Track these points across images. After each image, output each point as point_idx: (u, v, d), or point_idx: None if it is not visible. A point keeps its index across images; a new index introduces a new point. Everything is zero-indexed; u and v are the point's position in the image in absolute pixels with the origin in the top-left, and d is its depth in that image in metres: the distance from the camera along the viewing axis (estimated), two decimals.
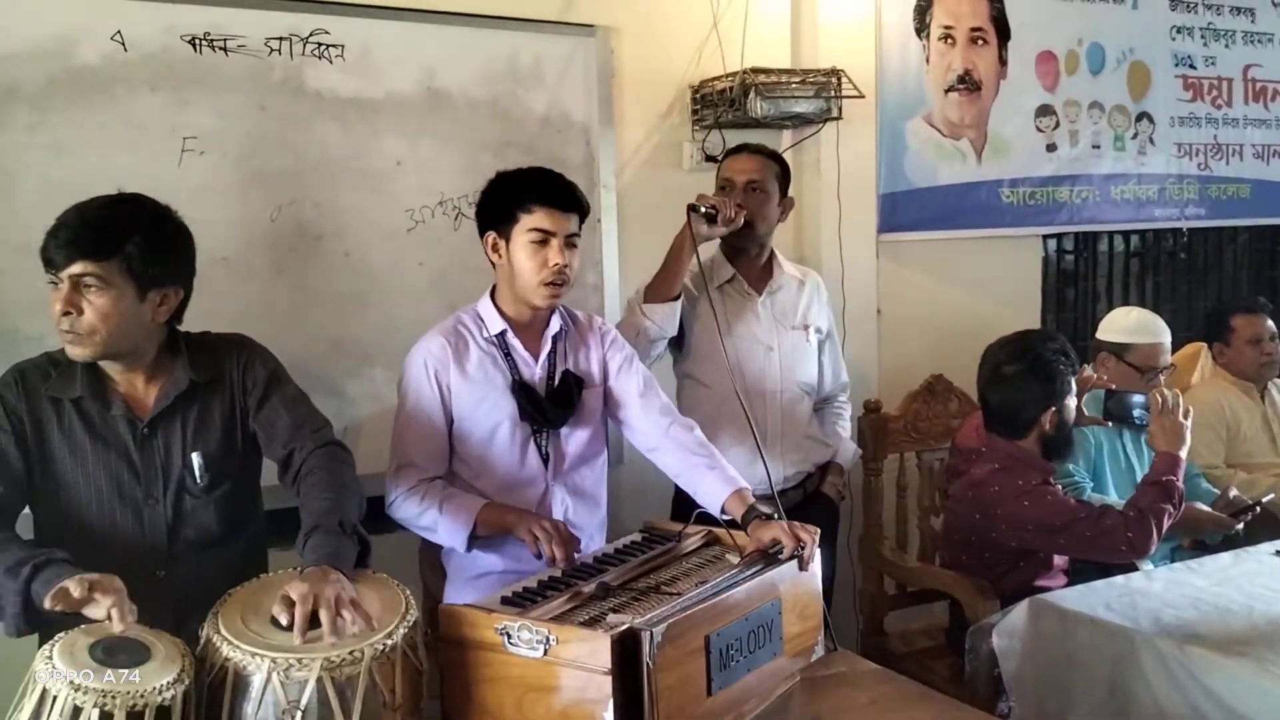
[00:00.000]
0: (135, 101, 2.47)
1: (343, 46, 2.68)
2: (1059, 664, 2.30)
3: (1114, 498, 2.99)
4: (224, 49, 2.55)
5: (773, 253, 2.78)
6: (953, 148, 3.72)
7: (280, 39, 2.61)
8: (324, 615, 1.47)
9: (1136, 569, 2.68)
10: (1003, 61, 3.77)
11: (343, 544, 1.66)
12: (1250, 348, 3.47)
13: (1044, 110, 3.88)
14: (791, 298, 2.77)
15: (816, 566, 1.89)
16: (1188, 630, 2.17)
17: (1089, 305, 4.19)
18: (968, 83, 3.71)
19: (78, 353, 1.77)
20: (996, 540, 2.62)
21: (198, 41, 2.53)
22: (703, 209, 2.47)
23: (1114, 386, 2.87)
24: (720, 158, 2.78)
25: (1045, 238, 4.02)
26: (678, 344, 2.70)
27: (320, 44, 2.66)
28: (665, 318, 2.51)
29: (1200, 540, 3.01)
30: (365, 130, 2.73)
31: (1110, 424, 2.88)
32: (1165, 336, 3.07)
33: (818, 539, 1.89)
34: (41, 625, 1.58)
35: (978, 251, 3.80)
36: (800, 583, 1.85)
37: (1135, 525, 2.49)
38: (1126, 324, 3.11)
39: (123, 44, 2.45)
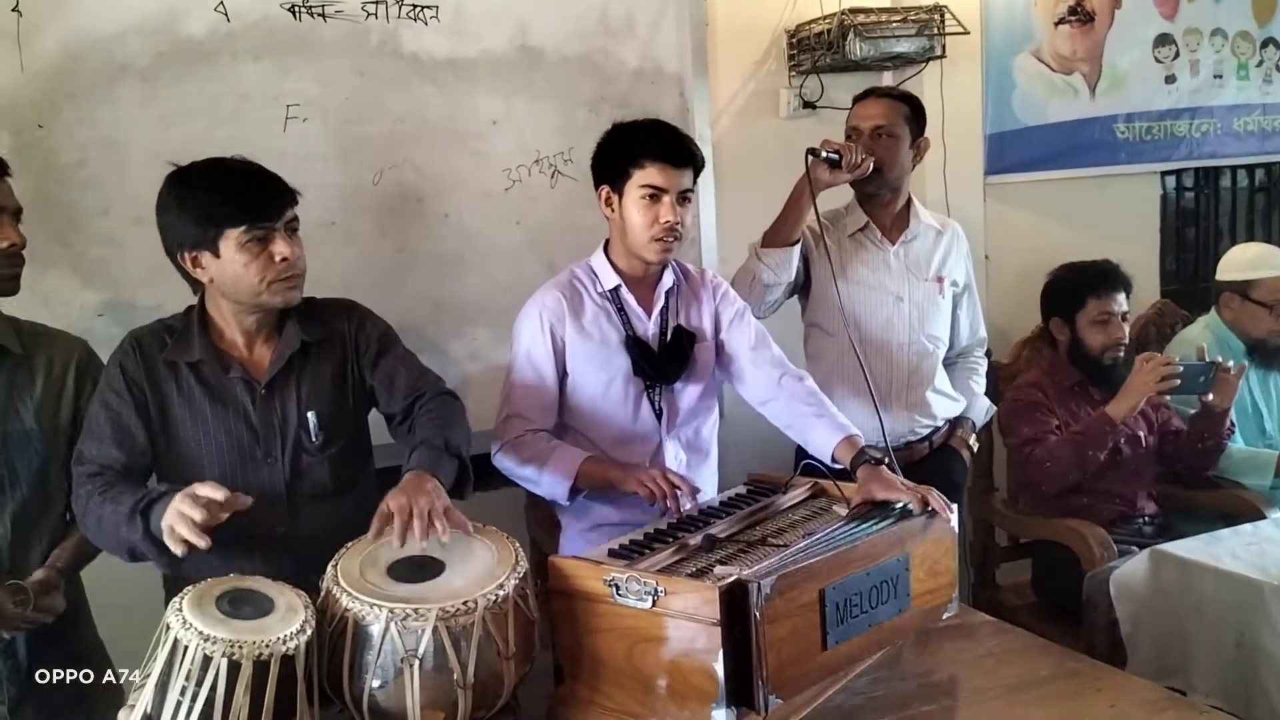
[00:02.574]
0: (239, 71, 2.52)
1: (436, 7, 2.69)
2: (1181, 615, 2.23)
3: (1239, 442, 2.88)
4: (322, 15, 2.59)
5: (910, 200, 2.69)
6: (1064, 83, 3.57)
7: (376, 3, 2.63)
8: (416, 525, 1.55)
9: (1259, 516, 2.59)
10: None
11: (443, 459, 1.72)
12: None
13: (1162, 40, 3.69)
14: (927, 248, 2.68)
15: (951, 521, 1.82)
16: None
17: (1211, 244, 3.99)
18: (1080, 13, 3.55)
19: (295, 296, 1.85)
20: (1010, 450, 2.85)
21: (297, 9, 2.56)
22: (824, 154, 2.39)
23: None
24: (850, 105, 2.70)
25: (1163, 175, 3.84)
26: (805, 291, 2.66)
27: (415, 6, 2.67)
28: (780, 264, 2.46)
29: None
30: (461, 91, 2.74)
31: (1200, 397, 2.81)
32: None
33: (938, 497, 1.81)
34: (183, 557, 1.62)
35: (1091, 191, 3.65)
36: (932, 538, 1.78)
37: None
38: (1245, 259, 3.01)
39: (225, 15, 2.50)
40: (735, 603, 1.46)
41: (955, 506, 1.83)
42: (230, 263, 1.78)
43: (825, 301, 2.58)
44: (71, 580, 1.96)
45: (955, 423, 2.74)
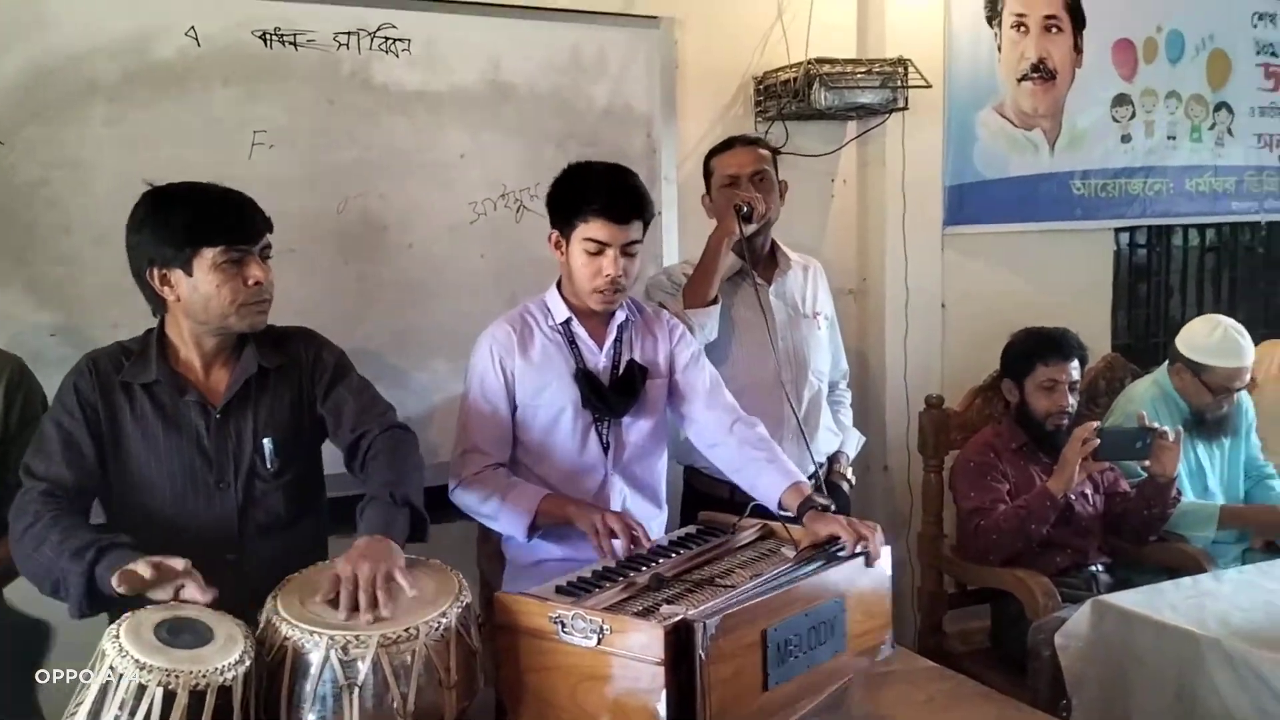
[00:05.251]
0: (208, 95, 2.53)
1: (409, 40, 2.72)
2: (1123, 666, 2.26)
3: (1189, 497, 2.92)
4: (294, 43, 2.60)
5: (774, 240, 2.72)
6: (1025, 138, 3.65)
7: (348, 33, 2.65)
8: (362, 598, 1.51)
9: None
10: (1078, 50, 3.69)
11: (395, 516, 1.70)
12: None
13: (1120, 100, 3.79)
14: (799, 285, 2.72)
15: (885, 563, 1.85)
16: (1258, 633, 2.11)
17: (1162, 301, 4.08)
18: (1042, 71, 3.64)
19: (261, 322, 1.86)
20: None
21: (268, 36, 2.57)
22: (744, 208, 2.44)
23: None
24: (708, 156, 2.70)
25: (1117, 231, 3.92)
26: None
27: (387, 38, 2.70)
28: (708, 323, 2.49)
29: (1271, 542, 2.94)
30: (430, 123, 2.76)
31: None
32: (1248, 358, 2.95)
33: (880, 535, 1.85)
34: (103, 608, 1.62)
35: (1047, 245, 3.72)
36: (866, 580, 1.81)
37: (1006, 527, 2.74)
38: (1209, 344, 2.96)
39: (196, 39, 2.50)
40: (680, 642, 1.47)
41: (888, 549, 1.85)
42: (202, 282, 1.78)
43: (716, 348, 2.57)
44: None
45: (832, 458, 2.77)
